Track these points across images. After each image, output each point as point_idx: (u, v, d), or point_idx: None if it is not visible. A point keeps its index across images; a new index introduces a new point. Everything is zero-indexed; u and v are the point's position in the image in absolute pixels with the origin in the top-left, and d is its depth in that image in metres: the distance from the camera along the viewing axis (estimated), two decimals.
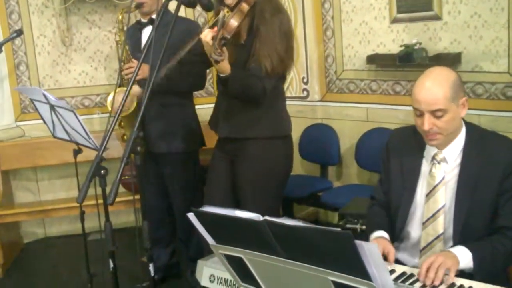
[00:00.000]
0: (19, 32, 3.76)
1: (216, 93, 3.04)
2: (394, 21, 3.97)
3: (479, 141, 2.17)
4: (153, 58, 2.25)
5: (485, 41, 3.52)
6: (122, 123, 3.54)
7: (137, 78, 3.36)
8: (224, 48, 2.44)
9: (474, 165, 2.13)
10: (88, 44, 4.76)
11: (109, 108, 3.46)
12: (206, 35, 2.43)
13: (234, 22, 2.49)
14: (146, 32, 3.53)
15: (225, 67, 2.53)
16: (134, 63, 3.42)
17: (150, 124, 3.43)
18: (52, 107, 2.90)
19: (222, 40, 2.40)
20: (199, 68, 3.41)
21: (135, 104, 3.40)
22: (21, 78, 4.74)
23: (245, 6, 2.56)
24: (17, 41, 4.62)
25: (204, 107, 4.03)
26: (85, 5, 4.60)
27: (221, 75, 2.57)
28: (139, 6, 3.45)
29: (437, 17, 3.72)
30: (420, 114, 2.12)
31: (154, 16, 3.49)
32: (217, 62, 2.43)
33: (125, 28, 3.54)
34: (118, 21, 3.56)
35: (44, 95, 2.84)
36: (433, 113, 2.08)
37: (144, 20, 3.55)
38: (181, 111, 3.56)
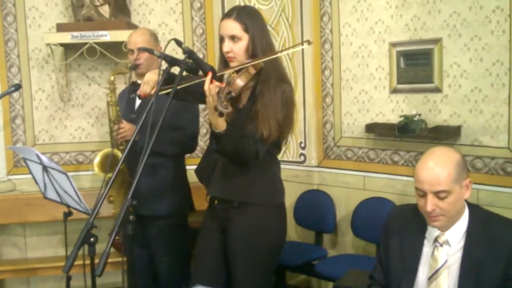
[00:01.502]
0: (17, 87, 3.74)
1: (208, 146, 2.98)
2: (394, 91, 3.98)
3: (483, 224, 2.12)
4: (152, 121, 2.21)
5: (486, 115, 3.51)
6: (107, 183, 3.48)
7: (127, 138, 3.37)
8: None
9: (478, 249, 2.07)
10: (87, 101, 4.74)
11: (95, 169, 3.43)
12: (212, 88, 2.37)
13: (240, 82, 2.46)
14: None
15: (222, 122, 2.47)
16: (124, 124, 3.42)
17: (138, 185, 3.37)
18: (45, 168, 2.84)
19: (228, 95, 2.37)
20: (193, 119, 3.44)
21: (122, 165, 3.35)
22: (16, 131, 4.70)
23: (252, 70, 2.54)
24: (15, 94, 4.60)
25: None
26: (86, 61, 4.60)
27: (216, 130, 2.51)
28: (134, 67, 3.47)
29: (438, 90, 3.72)
30: (422, 194, 2.08)
31: None
32: (221, 114, 2.36)
33: (116, 89, 3.56)
34: (110, 82, 3.56)
35: (37, 156, 2.79)
36: (436, 194, 2.04)
37: (139, 81, 3.55)
38: (171, 173, 3.52)
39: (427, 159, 2.09)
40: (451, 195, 2.04)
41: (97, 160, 3.49)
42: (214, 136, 2.55)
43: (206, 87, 2.38)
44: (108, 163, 3.30)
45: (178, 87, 2.43)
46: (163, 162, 3.43)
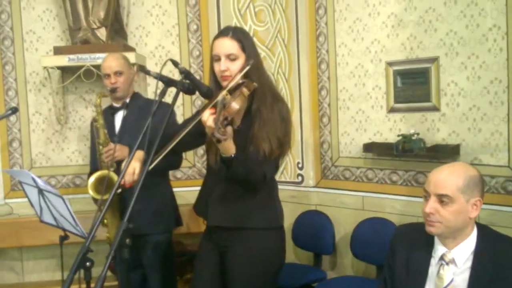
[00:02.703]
0: (14, 110, 3.74)
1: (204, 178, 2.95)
2: (392, 110, 3.97)
3: (492, 245, 2.09)
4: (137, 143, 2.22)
5: (485, 134, 3.49)
6: (102, 207, 3.46)
7: (116, 159, 3.36)
8: (229, 128, 2.33)
9: (486, 270, 2.04)
10: (83, 123, 4.73)
11: (89, 190, 3.42)
12: (208, 118, 2.34)
13: (235, 105, 2.38)
14: (119, 117, 3.61)
15: (229, 146, 2.41)
16: (112, 145, 3.43)
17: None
18: (41, 191, 2.82)
19: (224, 121, 2.33)
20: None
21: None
22: (13, 154, 4.69)
23: (245, 91, 2.48)
24: (12, 117, 4.61)
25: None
26: (83, 84, 4.60)
27: (224, 155, 2.45)
28: (113, 90, 3.54)
29: (435, 108, 3.71)
30: (427, 196, 2.08)
31: (127, 101, 3.61)
32: (219, 141, 2.30)
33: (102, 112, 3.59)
34: (96, 105, 3.55)
35: (33, 179, 2.77)
36: (439, 197, 2.04)
37: (116, 105, 3.65)
38: (158, 191, 3.53)
39: (443, 166, 2.13)
40: (453, 204, 2.03)
41: (91, 180, 3.46)
42: (224, 161, 2.47)
43: (205, 117, 2.35)
44: (104, 185, 3.27)
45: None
46: (151, 180, 3.43)
